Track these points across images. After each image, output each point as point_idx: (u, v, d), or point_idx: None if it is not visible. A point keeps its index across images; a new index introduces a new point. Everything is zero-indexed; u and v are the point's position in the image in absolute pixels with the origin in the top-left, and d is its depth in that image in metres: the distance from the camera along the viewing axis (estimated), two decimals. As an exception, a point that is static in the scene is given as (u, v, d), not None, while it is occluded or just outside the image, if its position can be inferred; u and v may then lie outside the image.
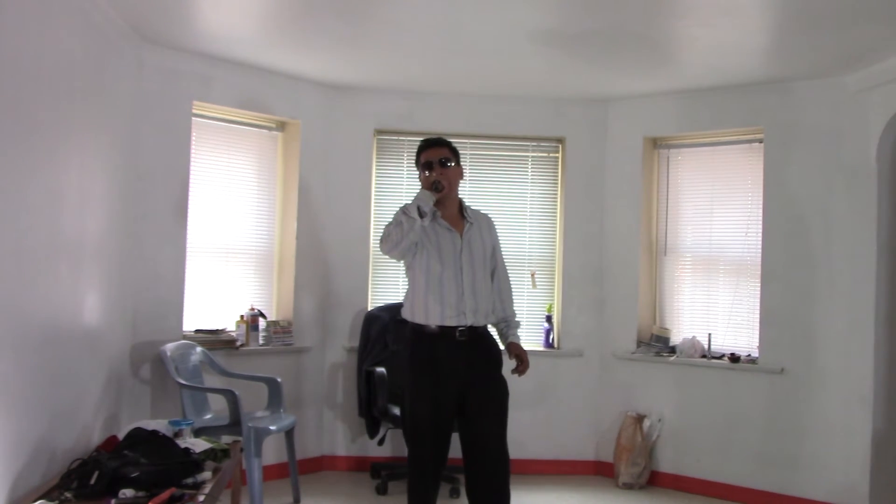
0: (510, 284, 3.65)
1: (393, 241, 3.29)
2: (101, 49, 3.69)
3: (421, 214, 3.25)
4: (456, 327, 3.33)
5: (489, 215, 3.67)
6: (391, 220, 3.36)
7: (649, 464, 5.03)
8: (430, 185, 3.33)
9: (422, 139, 3.59)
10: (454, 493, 4.62)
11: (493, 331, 3.61)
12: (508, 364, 3.50)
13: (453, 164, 3.46)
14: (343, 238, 5.22)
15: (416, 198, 3.30)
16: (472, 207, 3.62)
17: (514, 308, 3.65)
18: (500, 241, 3.67)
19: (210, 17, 3.94)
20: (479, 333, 3.40)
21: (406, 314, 3.46)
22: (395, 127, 5.32)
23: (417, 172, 3.52)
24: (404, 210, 3.29)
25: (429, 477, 3.39)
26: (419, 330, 3.38)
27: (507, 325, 3.60)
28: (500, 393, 3.42)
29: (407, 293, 3.48)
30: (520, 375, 3.54)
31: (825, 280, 4.57)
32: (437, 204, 3.40)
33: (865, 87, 4.36)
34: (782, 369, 4.67)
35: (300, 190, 5.04)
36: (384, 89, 5.20)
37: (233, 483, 3.74)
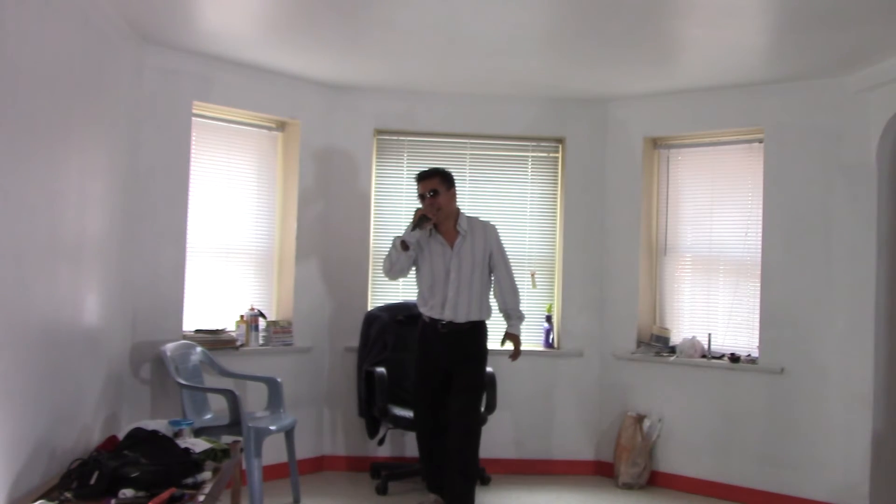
0: (512, 281, 4.34)
1: (385, 267, 4.25)
2: (101, 49, 3.69)
3: (405, 247, 4.10)
4: (439, 320, 4.17)
5: (490, 221, 4.35)
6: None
7: (649, 464, 5.03)
8: (415, 222, 4.10)
9: (417, 172, 4.28)
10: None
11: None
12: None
13: (441, 192, 4.15)
14: (343, 238, 5.22)
15: (404, 233, 4.14)
16: (472, 216, 4.29)
17: (518, 300, 4.34)
18: (503, 243, 4.35)
19: (210, 17, 3.94)
20: (459, 328, 4.17)
21: (417, 302, 4.37)
22: (395, 127, 5.31)
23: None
24: (393, 243, 4.15)
25: (426, 410, 4.26)
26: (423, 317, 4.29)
27: (508, 316, 4.34)
28: (472, 379, 4.19)
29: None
30: (513, 360, 4.42)
31: (825, 280, 4.57)
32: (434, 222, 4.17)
33: (865, 87, 4.36)
34: (782, 369, 4.67)
35: (300, 190, 5.04)
36: (384, 89, 5.19)
37: (233, 483, 3.74)
